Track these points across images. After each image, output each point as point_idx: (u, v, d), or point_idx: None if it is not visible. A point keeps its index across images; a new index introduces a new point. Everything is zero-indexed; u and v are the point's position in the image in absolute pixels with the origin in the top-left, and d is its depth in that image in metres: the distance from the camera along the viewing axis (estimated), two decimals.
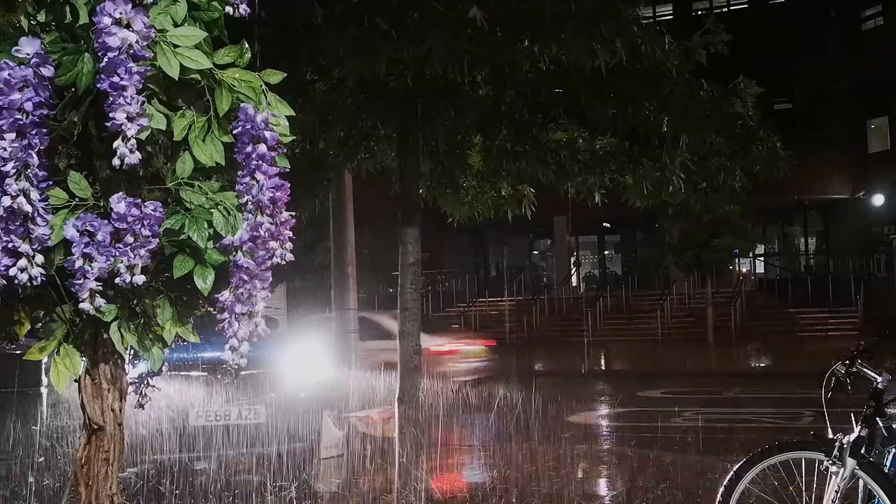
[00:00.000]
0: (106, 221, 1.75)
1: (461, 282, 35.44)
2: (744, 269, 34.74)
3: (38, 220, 1.70)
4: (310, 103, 7.65)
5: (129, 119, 1.70)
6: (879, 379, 4.21)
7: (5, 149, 1.64)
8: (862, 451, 4.12)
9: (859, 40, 33.56)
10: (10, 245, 1.68)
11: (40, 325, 2.00)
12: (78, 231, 1.73)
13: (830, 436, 4.21)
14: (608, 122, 8.57)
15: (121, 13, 1.69)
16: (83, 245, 1.72)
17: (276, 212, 1.89)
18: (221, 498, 6.30)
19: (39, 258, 1.71)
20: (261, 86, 1.92)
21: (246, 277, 1.86)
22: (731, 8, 37.07)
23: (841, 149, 33.19)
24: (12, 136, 1.65)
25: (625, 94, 8.04)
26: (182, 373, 8.07)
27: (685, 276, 29.43)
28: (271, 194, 1.86)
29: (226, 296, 1.87)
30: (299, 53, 7.00)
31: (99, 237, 1.73)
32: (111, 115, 1.70)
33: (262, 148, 1.84)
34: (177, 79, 1.82)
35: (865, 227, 33.30)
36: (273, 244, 1.91)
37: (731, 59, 8.29)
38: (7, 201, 1.65)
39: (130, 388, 2.19)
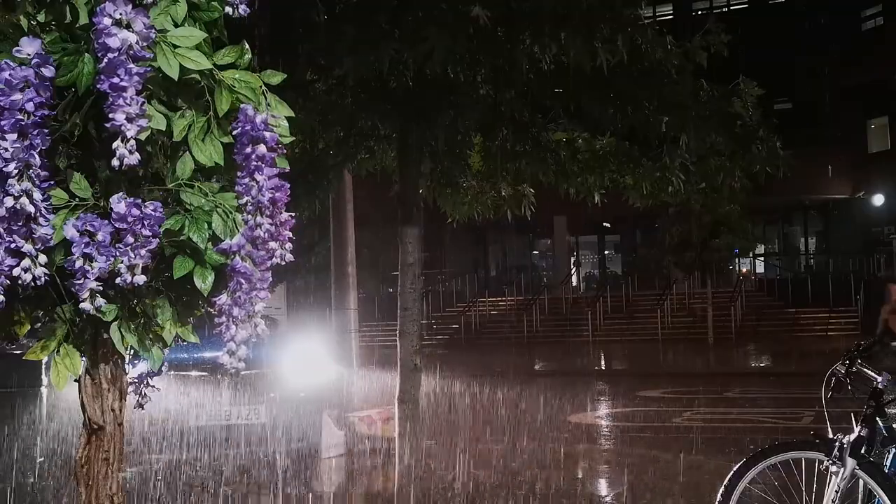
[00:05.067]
0: (106, 221, 1.75)
1: (461, 282, 35.44)
2: (744, 269, 34.73)
3: (41, 220, 1.70)
4: (310, 103, 7.65)
5: (129, 120, 1.70)
6: (879, 379, 4.20)
7: (7, 149, 1.64)
8: (862, 451, 4.12)
9: (859, 40, 33.54)
10: (13, 245, 1.68)
11: (40, 325, 2.00)
12: (78, 231, 1.73)
13: (830, 436, 4.21)
14: (608, 122, 8.56)
15: (121, 14, 1.69)
16: (83, 245, 1.72)
17: (276, 212, 1.89)
18: (223, 498, 6.30)
19: (42, 258, 1.71)
20: (260, 87, 1.92)
21: (243, 281, 1.86)
22: (731, 8, 37.05)
23: (841, 149, 33.17)
24: (14, 136, 1.65)
25: (625, 94, 8.02)
26: (182, 372, 8.07)
27: (685, 276, 29.40)
28: (271, 195, 1.86)
29: (223, 299, 1.87)
30: (299, 53, 7.00)
31: (99, 237, 1.73)
32: (111, 116, 1.70)
33: (262, 149, 1.84)
34: (176, 79, 1.82)
35: (865, 227, 33.31)
36: (273, 245, 1.91)
37: (731, 59, 8.29)
38: (10, 202, 1.65)
39: (130, 388, 2.19)
